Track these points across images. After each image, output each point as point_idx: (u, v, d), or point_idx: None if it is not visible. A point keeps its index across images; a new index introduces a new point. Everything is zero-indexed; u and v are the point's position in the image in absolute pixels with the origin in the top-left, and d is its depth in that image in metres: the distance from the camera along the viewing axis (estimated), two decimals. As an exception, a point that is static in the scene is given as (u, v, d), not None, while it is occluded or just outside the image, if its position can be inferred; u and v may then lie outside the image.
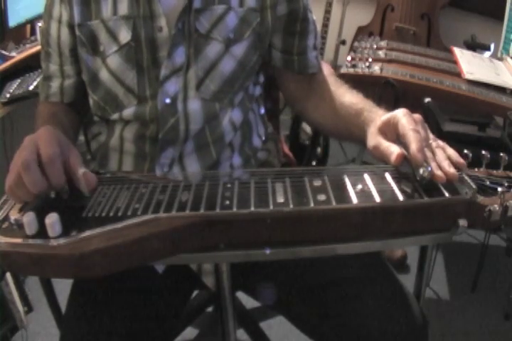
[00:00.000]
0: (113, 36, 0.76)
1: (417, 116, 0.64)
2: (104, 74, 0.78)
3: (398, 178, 0.58)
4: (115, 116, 0.80)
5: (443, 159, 0.59)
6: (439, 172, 0.56)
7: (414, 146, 0.58)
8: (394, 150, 0.62)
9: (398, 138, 0.63)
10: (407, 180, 0.58)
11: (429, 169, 0.56)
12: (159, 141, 0.77)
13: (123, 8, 0.75)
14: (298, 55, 0.87)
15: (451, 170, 0.57)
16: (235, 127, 0.82)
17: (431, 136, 0.63)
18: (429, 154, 0.59)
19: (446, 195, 0.54)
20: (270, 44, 0.85)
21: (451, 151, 0.62)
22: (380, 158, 0.65)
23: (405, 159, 0.60)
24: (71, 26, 0.79)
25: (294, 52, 0.86)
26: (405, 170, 0.60)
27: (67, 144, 0.61)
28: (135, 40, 0.75)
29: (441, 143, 0.63)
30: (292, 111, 1.02)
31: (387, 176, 0.58)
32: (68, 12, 0.78)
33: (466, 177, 0.58)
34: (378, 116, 0.70)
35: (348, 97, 0.81)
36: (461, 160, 0.60)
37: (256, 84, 0.87)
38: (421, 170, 0.56)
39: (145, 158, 0.80)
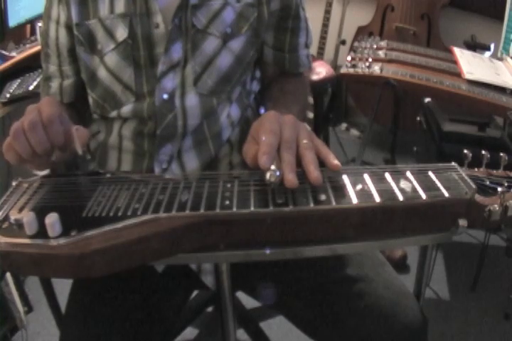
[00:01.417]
0: (110, 34, 0.76)
1: (288, 117, 0.61)
2: (102, 73, 0.78)
3: (397, 178, 0.58)
4: (114, 113, 0.80)
5: (309, 162, 0.56)
6: (289, 177, 0.53)
7: (260, 149, 0.56)
8: (246, 150, 0.61)
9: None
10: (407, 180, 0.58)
11: (277, 174, 0.53)
12: (157, 137, 0.77)
13: (120, 7, 0.75)
14: (289, 52, 0.87)
15: (314, 173, 0.54)
16: (232, 123, 0.82)
17: (305, 136, 0.59)
18: (288, 157, 0.56)
19: (446, 195, 0.54)
20: (262, 40, 0.85)
21: (326, 152, 0.58)
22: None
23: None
24: (69, 27, 0.80)
25: (286, 50, 0.86)
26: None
27: (67, 118, 0.64)
28: (132, 38, 0.75)
29: (319, 143, 0.59)
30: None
31: (387, 176, 0.58)
32: (66, 12, 0.79)
33: (466, 177, 0.57)
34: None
35: (278, 90, 0.84)
36: (334, 162, 0.57)
37: (253, 79, 0.87)
38: (267, 175, 0.53)
39: (144, 156, 0.80)
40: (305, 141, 0.58)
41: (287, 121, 0.60)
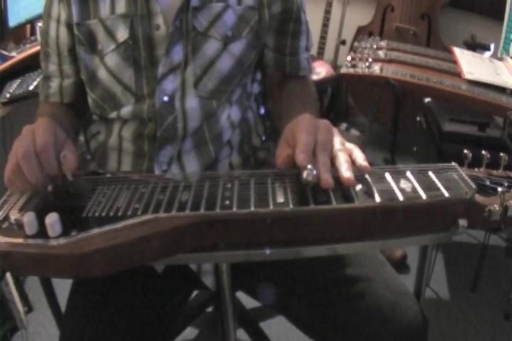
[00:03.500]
0: (111, 35, 0.76)
1: (323, 121, 0.62)
2: (102, 73, 0.78)
3: (397, 178, 0.58)
4: (113, 114, 0.80)
5: (342, 162, 0.56)
6: (325, 176, 0.54)
7: (297, 148, 0.56)
8: (280, 152, 0.61)
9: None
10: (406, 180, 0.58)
11: (314, 173, 0.54)
12: (157, 139, 0.77)
13: (121, 7, 0.75)
14: (290, 55, 0.87)
15: (347, 174, 0.55)
16: (233, 125, 0.82)
17: (338, 140, 0.60)
18: (323, 158, 0.56)
19: (446, 195, 0.54)
20: (263, 43, 0.85)
21: (358, 154, 0.59)
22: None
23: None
24: (69, 26, 0.79)
25: (286, 53, 0.86)
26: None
27: (64, 136, 0.64)
28: (132, 39, 0.75)
29: (350, 146, 0.61)
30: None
31: (387, 176, 0.58)
32: (67, 11, 0.78)
33: (466, 177, 0.58)
34: (291, 119, 0.65)
35: (289, 93, 0.84)
36: (364, 164, 0.58)
37: (253, 81, 0.87)
38: (304, 173, 0.54)
39: (144, 157, 0.80)
40: (338, 145, 0.59)
41: (322, 125, 0.61)
